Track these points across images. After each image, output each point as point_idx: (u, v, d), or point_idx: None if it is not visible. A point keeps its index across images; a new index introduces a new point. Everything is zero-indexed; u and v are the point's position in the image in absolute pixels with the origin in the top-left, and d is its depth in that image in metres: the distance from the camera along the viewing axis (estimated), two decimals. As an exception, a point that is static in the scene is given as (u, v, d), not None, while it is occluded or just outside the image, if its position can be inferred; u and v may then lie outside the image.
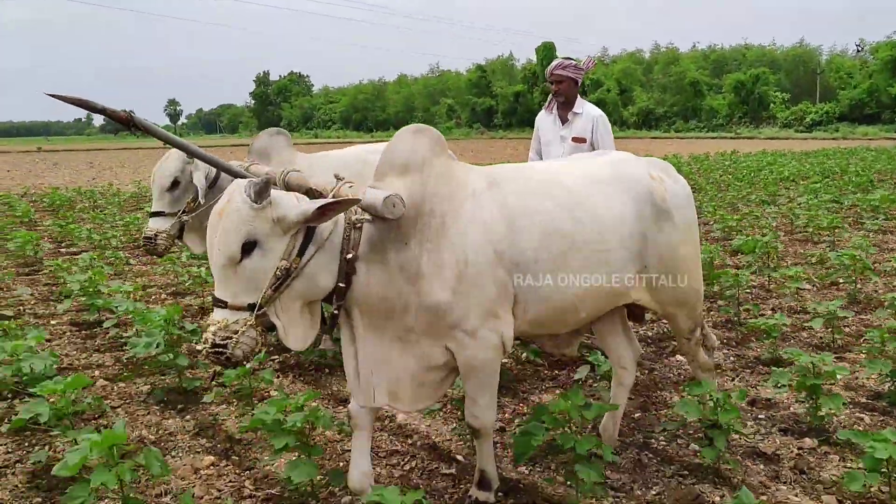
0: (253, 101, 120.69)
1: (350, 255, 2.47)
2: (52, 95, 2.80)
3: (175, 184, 4.14)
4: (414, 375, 2.68)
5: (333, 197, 2.52)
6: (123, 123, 2.97)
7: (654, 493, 3.05)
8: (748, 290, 6.11)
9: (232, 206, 2.30)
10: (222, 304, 2.33)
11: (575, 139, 4.69)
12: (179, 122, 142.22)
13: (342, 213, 2.47)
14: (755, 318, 5.18)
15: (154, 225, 4.14)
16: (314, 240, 2.42)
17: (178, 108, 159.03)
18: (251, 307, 2.32)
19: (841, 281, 6.45)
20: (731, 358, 4.68)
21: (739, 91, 61.59)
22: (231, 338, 2.28)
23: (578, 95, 4.74)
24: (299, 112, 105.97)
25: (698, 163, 21.84)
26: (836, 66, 62.26)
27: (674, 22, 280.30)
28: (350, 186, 2.59)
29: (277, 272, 2.33)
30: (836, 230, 8.40)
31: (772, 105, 60.53)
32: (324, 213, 2.33)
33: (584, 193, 2.88)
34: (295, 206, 2.35)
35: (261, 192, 2.28)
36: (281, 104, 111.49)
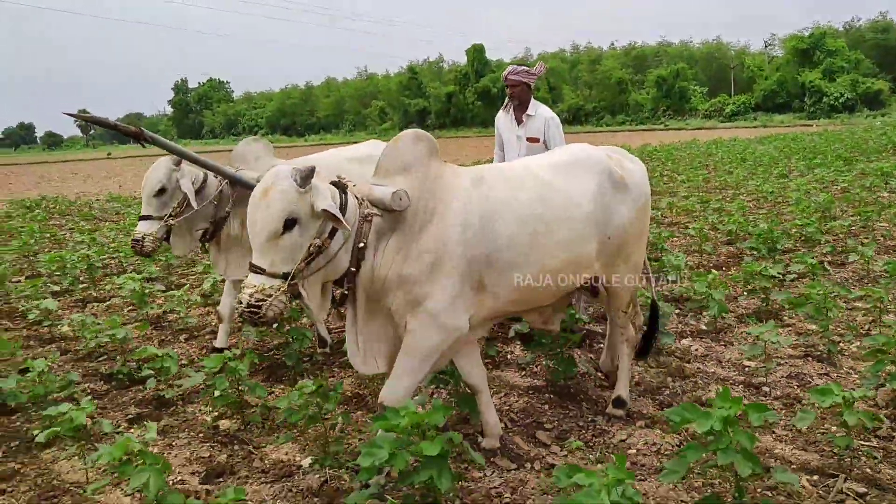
0: (171, 109, 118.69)
1: (361, 244, 2.85)
2: (69, 114, 3.42)
3: (162, 190, 4.39)
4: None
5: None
6: (135, 137, 3.36)
7: None
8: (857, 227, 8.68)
9: (278, 188, 2.64)
10: (260, 271, 2.65)
11: (529, 139, 5.06)
12: (90, 132, 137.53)
13: (358, 207, 2.87)
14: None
15: (142, 228, 4.39)
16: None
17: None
18: (285, 276, 2.65)
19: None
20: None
21: (661, 86, 66.16)
22: (265, 300, 2.60)
23: (532, 98, 5.12)
24: (222, 119, 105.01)
25: (679, 150, 24.86)
26: (748, 59, 67.83)
27: (589, 22, 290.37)
28: (354, 186, 3.01)
29: (311, 248, 2.69)
30: (875, 189, 11.27)
31: (692, 98, 65.46)
32: (329, 217, 2.67)
33: (551, 178, 3.24)
34: (325, 198, 2.69)
35: (305, 178, 2.65)
36: (203, 111, 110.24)
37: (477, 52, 77.54)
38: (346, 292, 2.91)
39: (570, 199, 3.21)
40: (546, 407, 4.02)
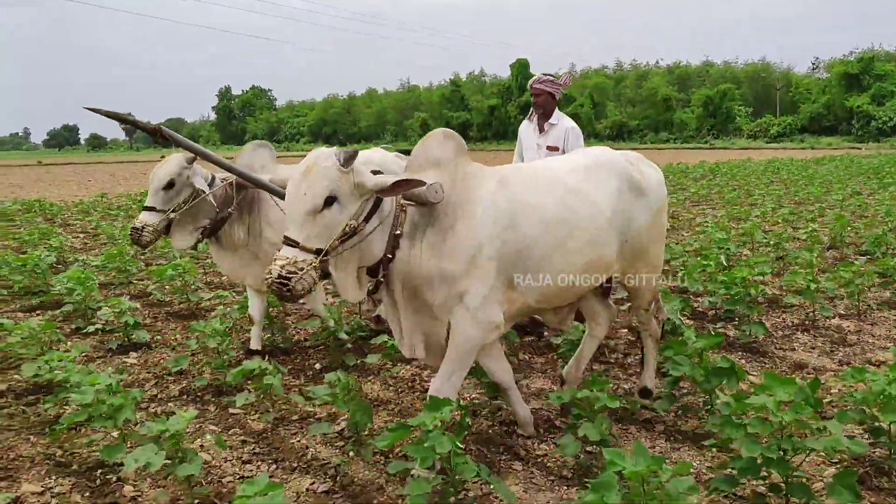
0: (215, 115, 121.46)
1: (398, 232, 2.92)
2: (90, 109, 3.17)
3: (170, 184, 4.38)
4: (441, 345, 3.16)
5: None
6: (152, 134, 3.30)
7: None
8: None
9: (321, 166, 2.69)
10: (293, 244, 2.67)
11: (549, 147, 5.19)
12: (133, 135, 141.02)
13: (394, 196, 2.88)
14: None
15: (144, 218, 4.36)
16: (378, 212, 2.87)
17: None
18: (318, 252, 2.68)
19: None
20: None
21: (707, 105, 66.76)
22: (296, 273, 2.62)
23: (557, 108, 5.26)
24: (265, 126, 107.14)
25: (737, 168, 25.49)
26: (795, 81, 68.14)
27: (634, 40, 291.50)
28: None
29: (346, 228, 2.73)
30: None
31: (737, 118, 65.91)
32: (396, 187, 2.75)
33: (575, 182, 3.33)
34: (372, 177, 2.77)
35: (348, 159, 2.71)
36: (246, 118, 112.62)
37: (521, 67, 78.50)
38: (381, 280, 3.01)
39: (592, 203, 3.32)
40: (736, 359, 4.83)
